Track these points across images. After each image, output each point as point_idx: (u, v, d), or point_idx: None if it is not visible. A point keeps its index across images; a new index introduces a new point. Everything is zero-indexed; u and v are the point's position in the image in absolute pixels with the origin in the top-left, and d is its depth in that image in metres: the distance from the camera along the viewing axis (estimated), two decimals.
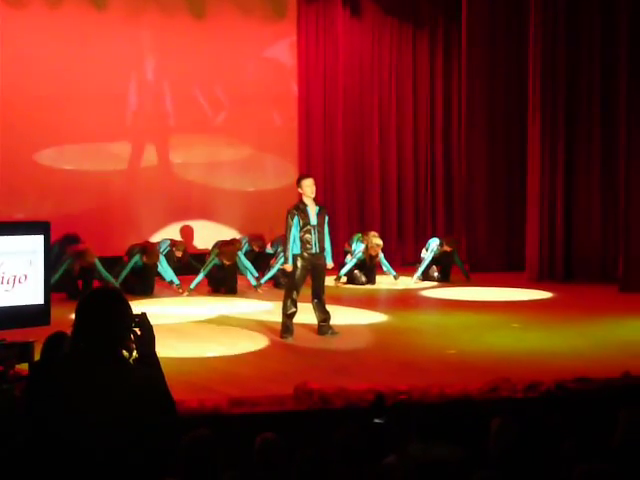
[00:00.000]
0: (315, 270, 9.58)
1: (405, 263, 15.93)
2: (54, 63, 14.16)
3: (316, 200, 9.66)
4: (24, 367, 6.37)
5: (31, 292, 7.69)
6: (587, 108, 14.05)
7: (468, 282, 13.94)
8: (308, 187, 9.51)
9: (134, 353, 3.47)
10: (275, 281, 13.40)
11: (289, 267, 9.49)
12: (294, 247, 9.47)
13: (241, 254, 13.32)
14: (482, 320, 10.63)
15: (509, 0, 15.44)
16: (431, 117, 17.00)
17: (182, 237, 14.70)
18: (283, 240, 12.43)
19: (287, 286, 9.76)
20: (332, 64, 16.15)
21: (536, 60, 14.09)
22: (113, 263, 13.04)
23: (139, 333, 3.48)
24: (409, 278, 13.93)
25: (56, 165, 14.11)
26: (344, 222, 15.41)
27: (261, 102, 15.52)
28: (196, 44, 15.29)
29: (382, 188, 16.49)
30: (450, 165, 16.99)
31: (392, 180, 16.63)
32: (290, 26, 15.94)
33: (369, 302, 12.27)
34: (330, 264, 9.78)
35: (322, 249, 9.54)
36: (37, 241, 7.75)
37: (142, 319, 3.50)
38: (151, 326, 3.52)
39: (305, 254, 9.44)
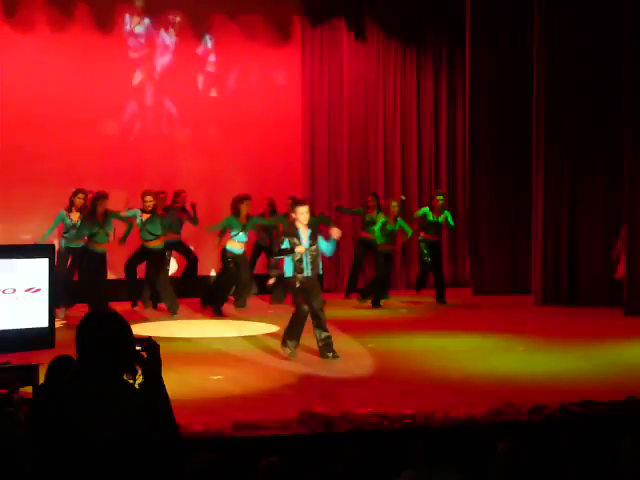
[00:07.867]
0: (310, 293, 9.59)
1: (409, 287, 15.96)
2: (59, 86, 14.26)
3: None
4: (28, 390, 6.38)
5: (36, 315, 7.71)
6: (591, 142, 14.04)
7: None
8: (302, 215, 9.60)
9: (139, 377, 3.47)
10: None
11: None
12: (287, 270, 9.57)
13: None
14: (486, 343, 10.62)
15: (513, 23, 15.50)
16: (435, 141, 17.05)
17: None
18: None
19: (294, 315, 9.75)
20: (337, 87, 16.20)
21: (539, 86, 14.15)
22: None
23: (145, 357, 3.47)
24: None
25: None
26: (349, 248, 15.40)
27: (265, 125, 15.55)
28: (201, 67, 15.37)
29: None
30: (455, 189, 17.01)
31: None
32: (295, 50, 16.02)
33: (374, 324, 12.28)
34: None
35: (316, 273, 9.61)
36: (42, 264, 7.78)
37: (148, 343, 3.49)
38: (158, 350, 3.51)
39: (298, 277, 9.50)
